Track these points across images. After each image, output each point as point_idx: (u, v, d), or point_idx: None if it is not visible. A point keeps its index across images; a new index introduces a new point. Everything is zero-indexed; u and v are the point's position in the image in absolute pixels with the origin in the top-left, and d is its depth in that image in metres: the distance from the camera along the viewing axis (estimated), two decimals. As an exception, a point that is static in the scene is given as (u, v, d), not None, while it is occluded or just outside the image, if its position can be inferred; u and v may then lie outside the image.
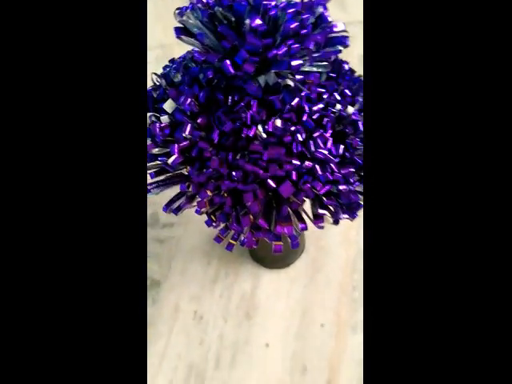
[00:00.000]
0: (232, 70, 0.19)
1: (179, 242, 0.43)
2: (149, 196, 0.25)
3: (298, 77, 0.21)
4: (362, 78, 0.28)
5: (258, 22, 0.19)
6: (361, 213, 0.41)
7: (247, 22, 0.19)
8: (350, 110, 0.23)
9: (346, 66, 0.27)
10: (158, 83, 0.24)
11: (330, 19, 0.21)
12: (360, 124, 0.23)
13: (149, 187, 0.24)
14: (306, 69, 0.23)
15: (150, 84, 0.27)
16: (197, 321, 0.39)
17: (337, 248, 0.42)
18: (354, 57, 0.54)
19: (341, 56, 0.57)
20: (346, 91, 0.25)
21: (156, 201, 0.46)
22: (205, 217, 0.24)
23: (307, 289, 0.40)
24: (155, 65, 0.58)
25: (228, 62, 0.19)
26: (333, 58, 0.26)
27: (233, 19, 0.20)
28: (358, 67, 0.54)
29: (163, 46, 0.58)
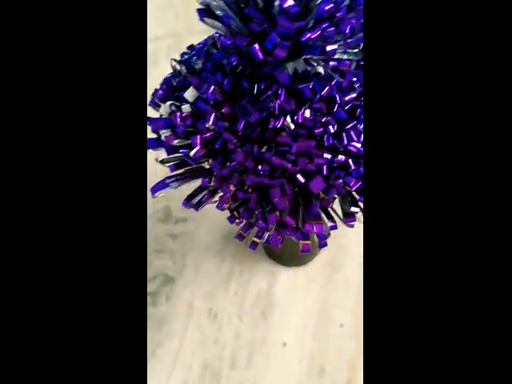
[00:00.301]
0: (261, 56, 0.18)
1: (193, 237, 0.42)
2: (167, 190, 0.24)
3: (331, 63, 0.19)
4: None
5: (290, 2, 0.17)
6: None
7: (277, 2, 0.18)
8: (384, 100, 0.21)
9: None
10: (177, 70, 0.23)
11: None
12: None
13: (167, 181, 0.23)
14: (337, 56, 0.22)
15: (167, 72, 0.26)
16: (211, 319, 0.38)
17: (356, 246, 0.40)
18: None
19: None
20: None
21: (169, 195, 0.45)
22: (219, 212, 0.23)
23: (325, 288, 0.39)
24: (167, 54, 0.56)
25: (257, 46, 0.18)
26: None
27: (260, 0, 0.18)
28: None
29: (175, 35, 0.57)
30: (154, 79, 0.28)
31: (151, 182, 0.26)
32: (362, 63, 0.21)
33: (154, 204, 0.43)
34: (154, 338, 0.37)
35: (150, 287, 0.39)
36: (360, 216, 0.22)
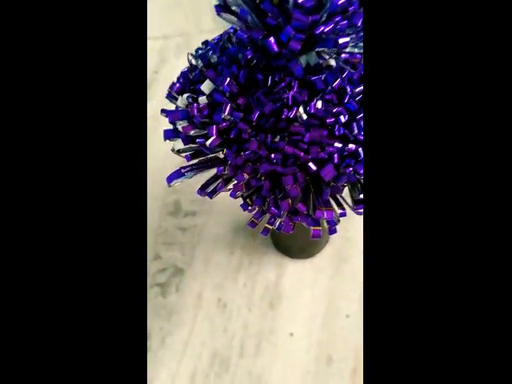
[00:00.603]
0: (276, 48, 0.19)
1: (202, 230, 0.42)
2: (182, 180, 0.25)
3: (343, 55, 0.20)
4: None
5: (305, -3, 0.18)
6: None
7: (292, -2, 0.19)
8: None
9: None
10: (194, 64, 0.23)
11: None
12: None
13: (183, 170, 0.24)
14: (348, 49, 0.22)
15: (174, 71, 0.27)
16: (220, 309, 0.39)
17: (362, 239, 0.41)
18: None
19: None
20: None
21: (178, 188, 0.46)
22: (228, 205, 0.24)
23: (332, 280, 0.40)
24: (176, 52, 0.57)
25: (272, 39, 0.19)
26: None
27: (276, -5, 0.19)
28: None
29: (183, 34, 0.58)
30: (164, 76, 0.29)
31: (166, 173, 0.26)
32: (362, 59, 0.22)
33: (164, 198, 0.44)
34: (163, 327, 0.38)
35: (160, 279, 0.40)
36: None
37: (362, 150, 0.21)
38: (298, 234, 0.26)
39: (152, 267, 0.41)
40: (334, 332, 0.37)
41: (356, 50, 0.23)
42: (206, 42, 0.25)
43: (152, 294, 0.39)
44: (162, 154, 0.38)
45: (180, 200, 0.44)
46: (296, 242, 0.39)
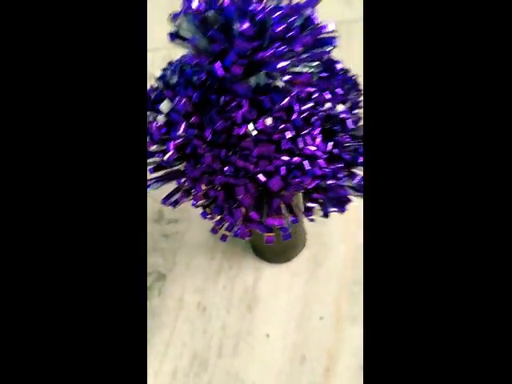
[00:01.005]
0: (221, 72, 0.21)
1: (184, 236, 0.44)
2: (149, 191, 0.26)
3: (285, 78, 0.22)
4: (357, 77, 0.29)
5: (246, 25, 0.20)
6: (361, 209, 0.42)
7: (236, 26, 0.20)
8: (340, 108, 0.24)
9: (339, 66, 0.28)
10: (156, 85, 0.26)
11: (318, 20, 0.22)
12: (349, 122, 0.24)
13: (149, 182, 0.25)
14: (297, 69, 0.24)
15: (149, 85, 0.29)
16: (200, 311, 0.40)
17: (337, 244, 0.43)
18: (358, 53, 0.55)
19: (346, 53, 0.58)
20: (337, 90, 0.26)
21: (161, 197, 0.48)
22: (200, 214, 0.26)
23: (308, 283, 0.41)
24: (162, 65, 0.59)
25: (218, 64, 0.21)
26: (325, 57, 0.27)
27: (222, 23, 0.21)
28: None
29: (169, 47, 0.60)
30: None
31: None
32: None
33: (148, 207, 0.46)
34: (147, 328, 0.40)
35: (144, 283, 0.42)
36: (318, 211, 0.25)
37: (318, 156, 0.23)
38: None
39: (135, 272, 0.43)
40: (308, 333, 0.39)
41: (305, 70, 0.24)
42: (170, 63, 0.28)
43: (135, 297, 0.41)
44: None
45: (163, 208, 0.46)
46: (269, 247, 0.40)
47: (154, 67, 0.59)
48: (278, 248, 0.40)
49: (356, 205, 0.43)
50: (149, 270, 0.43)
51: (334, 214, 0.43)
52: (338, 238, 0.43)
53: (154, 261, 0.43)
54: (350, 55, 0.57)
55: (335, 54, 0.57)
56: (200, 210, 0.30)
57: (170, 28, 0.24)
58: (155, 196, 0.46)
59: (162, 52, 0.58)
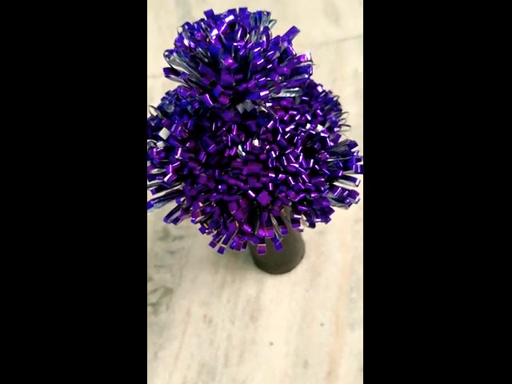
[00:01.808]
0: (211, 103, 0.24)
1: (189, 252, 0.47)
2: (153, 210, 0.29)
3: (267, 104, 0.25)
4: (337, 98, 0.32)
5: (230, 61, 0.23)
6: (360, 218, 0.45)
7: (222, 61, 0.23)
8: (319, 128, 0.27)
9: (320, 89, 0.30)
10: (154, 114, 0.28)
11: (294, 52, 0.25)
12: (328, 140, 0.26)
13: (151, 202, 0.28)
14: (281, 95, 0.27)
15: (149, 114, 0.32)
16: (207, 324, 0.43)
17: (335, 253, 0.45)
18: (348, 71, 0.58)
19: (336, 72, 0.61)
20: (318, 111, 0.28)
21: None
22: (198, 229, 0.28)
23: (308, 291, 0.43)
24: (161, 91, 0.63)
25: (207, 95, 0.23)
26: (307, 82, 0.30)
27: (210, 59, 0.24)
28: (353, 81, 0.58)
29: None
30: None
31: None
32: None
33: (154, 225, 0.49)
34: (156, 342, 0.42)
35: (152, 299, 0.44)
36: (305, 221, 0.27)
37: (300, 173, 0.25)
38: (273, 252, 0.30)
39: (144, 288, 0.45)
40: (310, 339, 0.41)
41: (288, 95, 0.27)
42: (167, 93, 0.30)
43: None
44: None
45: (168, 226, 0.49)
46: (272, 260, 0.43)
47: (154, 93, 0.62)
48: (279, 259, 0.43)
49: (350, 216, 0.46)
50: (156, 286, 0.45)
51: (331, 226, 0.46)
52: (335, 248, 0.45)
53: (161, 276, 0.46)
54: (340, 72, 0.61)
55: (325, 72, 0.60)
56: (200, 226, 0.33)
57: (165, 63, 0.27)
58: (161, 215, 0.49)
59: (162, 79, 0.62)
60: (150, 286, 0.45)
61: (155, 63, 0.64)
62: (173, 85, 0.35)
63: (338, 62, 0.59)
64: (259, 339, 0.41)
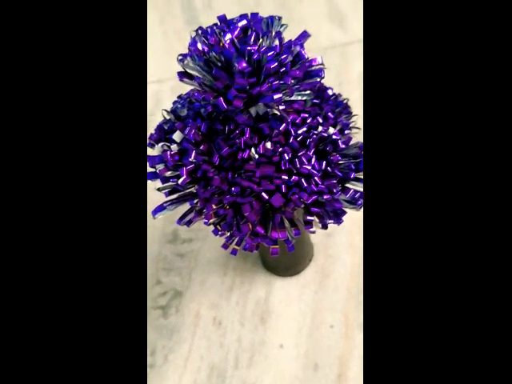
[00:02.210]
0: (225, 106, 0.24)
1: (198, 255, 0.47)
2: (164, 213, 0.29)
3: (281, 107, 0.25)
4: (347, 101, 0.32)
5: (244, 65, 0.23)
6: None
7: (236, 65, 0.24)
8: (331, 130, 0.27)
9: (330, 92, 0.31)
10: (168, 118, 0.29)
11: (306, 56, 0.26)
12: (340, 143, 0.27)
13: (164, 204, 0.28)
14: (293, 98, 0.27)
15: (161, 118, 0.32)
16: (216, 326, 0.43)
17: (343, 255, 0.45)
18: (353, 75, 0.58)
19: (341, 75, 0.61)
20: (329, 114, 0.29)
21: (175, 219, 0.51)
22: (212, 231, 0.28)
23: (317, 294, 0.44)
24: (170, 95, 0.63)
25: (221, 99, 0.24)
26: (318, 85, 0.30)
27: (224, 63, 0.24)
28: (359, 85, 0.58)
29: (176, 77, 0.64)
30: (159, 117, 0.34)
31: (152, 206, 0.31)
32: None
33: (163, 228, 0.49)
34: (166, 345, 0.42)
35: (162, 301, 0.45)
36: (317, 223, 0.27)
37: (314, 175, 0.25)
38: (282, 254, 0.30)
39: (154, 292, 0.45)
40: (320, 341, 0.41)
41: (299, 98, 0.27)
42: (179, 96, 0.31)
43: (155, 315, 0.44)
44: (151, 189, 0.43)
45: (177, 229, 0.49)
46: (281, 262, 0.43)
47: (162, 97, 0.63)
48: (288, 262, 0.43)
49: (359, 218, 0.46)
50: (166, 289, 0.45)
51: (339, 228, 0.46)
52: (343, 250, 0.46)
53: (170, 279, 0.46)
54: (346, 76, 0.61)
55: (331, 76, 0.61)
56: (211, 228, 0.33)
57: (179, 65, 0.27)
58: (169, 218, 0.50)
59: (170, 82, 0.63)
60: (159, 289, 0.45)
61: (161, 67, 0.66)
62: (182, 88, 0.35)
63: (343, 66, 0.60)
64: (269, 341, 0.42)
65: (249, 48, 0.24)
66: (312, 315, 0.43)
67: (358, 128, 0.32)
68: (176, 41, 0.69)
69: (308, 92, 0.28)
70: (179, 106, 0.28)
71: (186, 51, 0.26)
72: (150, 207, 0.45)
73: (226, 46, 0.24)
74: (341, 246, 0.46)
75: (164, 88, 0.62)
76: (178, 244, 0.48)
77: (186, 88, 0.31)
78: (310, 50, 0.30)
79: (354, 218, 0.46)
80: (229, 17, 0.26)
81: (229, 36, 0.24)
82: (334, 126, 0.28)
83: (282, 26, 0.27)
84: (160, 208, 0.29)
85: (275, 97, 0.24)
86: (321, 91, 0.30)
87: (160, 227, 0.49)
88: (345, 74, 0.59)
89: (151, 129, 0.30)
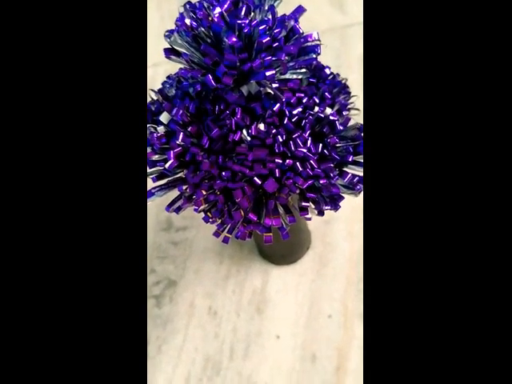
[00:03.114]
0: (214, 83, 0.22)
1: (192, 243, 0.46)
2: (153, 199, 0.28)
3: (274, 85, 0.23)
4: (345, 81, 0.31)
5: (234, 39, 0.22)
6: (362, 208, 0.43)
7: (225, 40, 0.22)
8: (328, 111, 0.25)
9: (328, 71, 0.29)
10: (155, 98, 0.27)
11: (301, 30, 0.24)
12: (337, 124, 0.25)
13: (152, 190, 0.27)
14: (287, 76, 0.26)
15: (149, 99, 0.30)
16: (211, 316, 0.42)
17: (342, 243, 0.44)
18: (353, 57, 0.56)
19: (341, 57, 0.60)
20: (326, 94, 0.27)
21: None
22: (202, 218, 0.27)
23: (314, 283, 0.42)
24: (164, 79, 0.61)
25: (210, 76, 0.22)
26: (314, 64, 0.29)
27: (213, 38, 0.23)
28: (359, 67, 0.56)
29: (170, 62, 0.62)
30: None
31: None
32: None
33: (157, 215, 0.48)
34: (159, 335, 0.41)
35: (155, 291, 0.43)
36: (313, 210, 0.26)
37: (308, 158, 0.24)
38: (277, 242, 0.29)
39: (148, 280, 0.44)
40: (318, 332, 0.40)
41: (294, 76, 0.26)
42: (168, 76, 0.29)
43: (148, 305, 0.43)
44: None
45: (171, 217, 0.48)
46: (277, 250, 0.41)
47: (157, 81, 0.61)
48: (285, 250, 0.41)
49: (358, 205, 0.44)
50: (160, 278, 0.44)
51: (337, 215, 0.44)
52: (341, 238, 0.44)
53: (164, 268, 0.45)
54: (345, 58, 0.59)
55: (331, 59, 0.59)
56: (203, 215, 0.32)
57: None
58: (163, 205, 0.48)
59: (164, 66, 0.61)
60: (152, 278, 0.44)
61: (157, 52, 0.64)
62: (176, 71, 0.33)
63: (342, 49, 0.58)
64: (265, 332, 0.40)
65: (239, 21, 0.22)
66: (310, 305, 0.41)
67: (357, 109, 0.30)
68: (172, 25, 0.67)
69: (304, 70, 0.26)
70: (168, 86, 0.26)
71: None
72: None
73: (215, 19, 0.22)
74: (339, 233, 0.45)
75: (159, 72, 0.61)
76: (172, 232, 0.47)
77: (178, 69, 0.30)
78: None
79: (353, 205, 0.45)
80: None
81: (218, 9, 0.22)
82: (332, 107, 0.26)
83: (276, 0, 0.25)
84: (148, 194, 0.27)
85: (267, 73, 0.22)
86: (317, 70, 0.28)
87: (154, 215, 0.48)
88: (344, 57, 0.57)
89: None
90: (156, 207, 0.48)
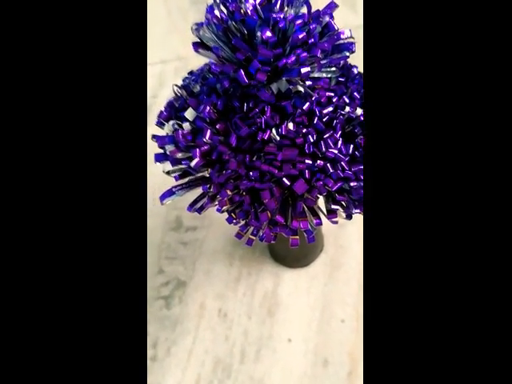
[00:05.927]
0: (246, 80, 0.21)
1: (202, 244, 0.45)
2: (173, 198, 0.27)
3: (307, 83, 0.22)
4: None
5: (269, 34, 0.21)
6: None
7: (258, 34, 0.21)
8: (359, 111, 0.25)
9: (355, 70, 0.28)
10: (178, 94, 0.26)
11: (336, 27, 0.23)
12: (368, 124, 0.24)
13: (174, 189, 0.26)
14: (316, 75, 0.25)
15: (171, 95, 0.29)
16: (222, 318, 0.41)
17: (355, 246, 0.43)
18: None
19: (355, 58, 0.59)
20: (355, 94, 0.26)
21: (179, 205, 0.48)
22: (226, 219, 0.26)
23: (327, 286, 0.42)
24: (174, 76, 0.60)
25: (242, 72, 0.21)
26: (342, 63, 0.28)
27: (245, 32, 0.22)
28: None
29: (181, 58, 0.61)
30: (163, 100, 0.32)
31: (160, 191, 0.29)
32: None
33: (166, 215, 0.47)
34: (168, 337, 0.40)
35: (164, 292, 0.42)
36: (341, 213, 0.25)
37: (340, 160, 0.23)
38: (290, 245, 0.28)
39: (156, 281, 0.43)
40: (330, 336, 0.39)
41: (324, 75, 0.25)
42: (191, 72, 0.28)
43: (157, 306, 0.42)
44: (163, 174, 0.41)
45: (181, 216, 0.47)
46: (291, 252, 0.41)
47: (166, 78, 0.60)
48: (299, 253, 0.41)
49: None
50: (169, 278, 0.43)
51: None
52: (354, 241, 0.44)
53: (173, 269, 0.44)
54: (359, 59, 0.58)
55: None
56: (220, 216, 0.31)
57: (193, 37, 0.25)
58: (173, 205, 0.47)
59: (174, 63, 0.60)
60: (161, 279, 0.43)
61: (165, 48, 0.63)
62: (187, 70, 0.32)
63: (356, 49, 0.57)
64: (277, 335, 0.40)
65: (274, 15, 0.21)
66: (322, 309, 0.41)
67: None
68: (180, 20, 0.66)
69: (333, 69, 0.25)
70: (192, 82, 0.26)
71: (190, 31, 0.24)
72: (150, 192, 0.43)
73: (249, 12, 0.21)
74: (352, 236, 0.44)
75: (168, 69, 0.59)
76: (181, 232, 0.46)
77: (190, 69, 0.29)
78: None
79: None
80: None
81: (251, 2, 0.22)
82: (361, 107, 0.25)
83: (309, -6, 0.24)
84: (169, 193, 0.26)
85: (303, 70, 0.21)
86: (346, 69, 0.27)
87: (163, 214, 0.47)
88: (358, 57, 0.56)
89: (154, 111, 0.28)
90: (165, 206, 0.47)
